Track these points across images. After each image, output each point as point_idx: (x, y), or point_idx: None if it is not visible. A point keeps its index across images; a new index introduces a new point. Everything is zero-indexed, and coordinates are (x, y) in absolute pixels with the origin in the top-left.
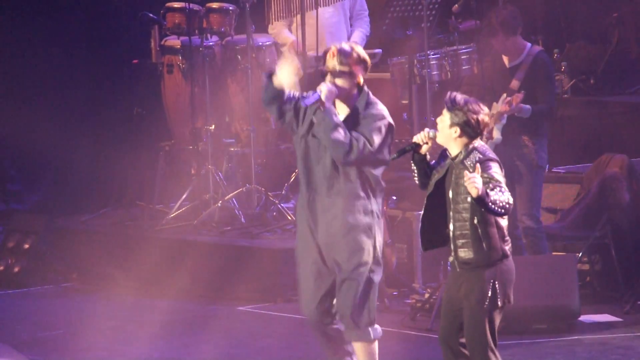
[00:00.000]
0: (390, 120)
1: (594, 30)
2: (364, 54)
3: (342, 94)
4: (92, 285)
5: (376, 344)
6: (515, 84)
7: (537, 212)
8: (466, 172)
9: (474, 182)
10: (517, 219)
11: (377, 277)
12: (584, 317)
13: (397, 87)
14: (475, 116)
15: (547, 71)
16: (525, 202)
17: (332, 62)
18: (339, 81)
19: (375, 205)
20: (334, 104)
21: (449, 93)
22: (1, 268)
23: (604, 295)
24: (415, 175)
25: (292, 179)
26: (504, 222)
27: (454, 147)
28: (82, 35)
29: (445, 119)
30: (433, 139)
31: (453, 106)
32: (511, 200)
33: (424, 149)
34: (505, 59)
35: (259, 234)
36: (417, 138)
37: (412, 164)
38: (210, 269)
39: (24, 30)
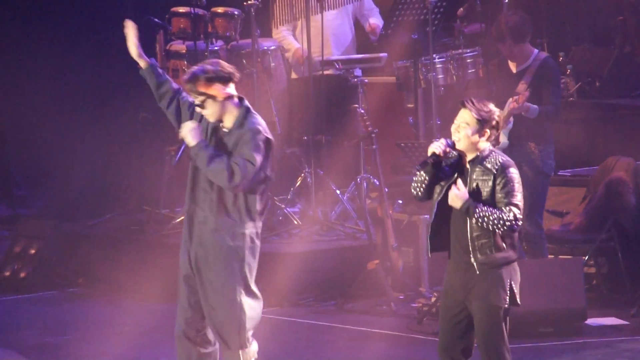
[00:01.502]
0: (269, 135)
1: (599, 33)
2: (214, 68)
3: (214, 117)
4: (98, 290)
5: None
6: (522, 87)
7: (539, 218)
8: (454, 187)
9: (455, 195)
10: None
11: (247, 300)
12: (590, 320)
13: (403, 91)
14: (496, 115)
15: (554, 75)
16: (528, 207)
17: (192, 96)
18: (204, 111)
19: (250, 228)
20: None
21: (465, 100)
22: (7, 273)
23: (610, 298)
24: (424, 185)
25: (297, 184)
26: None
27: (474, 151)
28: (88, 41)
29: (470, 126)
30: (452, 147)
31: (475, 107)
32: (515, 221)
33: (442, 158)
34: (511, 65)
35: (265, 238)
36: (437, 148)
37: (424, 174)
38: None
39: (30, 37)
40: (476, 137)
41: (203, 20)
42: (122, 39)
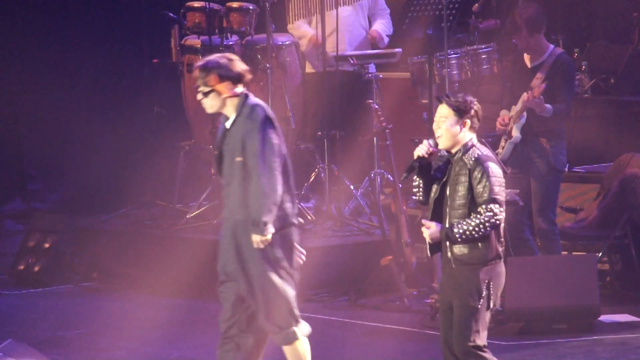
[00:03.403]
0: (268, 114)
1: (615, 29)
2: (227, 69)
3: (213, 109)
4: (112, 284)
5: (303, 342)
6: (536, 82)
7: (551, 214)
8: (423, 221)
9: (426, 234)
10: (523, 222)
11: (285, 281)
12: (604, 317)
13: (417, 86)
14: (475, 105)
15: (568, 71)
16: (540, 203)
17: (198, 83)
18: (205, 100)
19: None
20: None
21: (440, 95)
22: (21, 267)
23: (624, 295)
24: (421, 190)
25: (311, 179)
26: (501, 223)
27: (457, 145)
28: (103, 35)
29: (449, 118)
30: (435, 147)
31: (451, 100)
32: (494, 219)
33: (430, 159)
34: (527, 59)
35: None
36: (420, 151)
37: (417, 179)
38: None
39: (45, 31)
40: (456, 128)
41: (218, 15)
42: (138, 33)
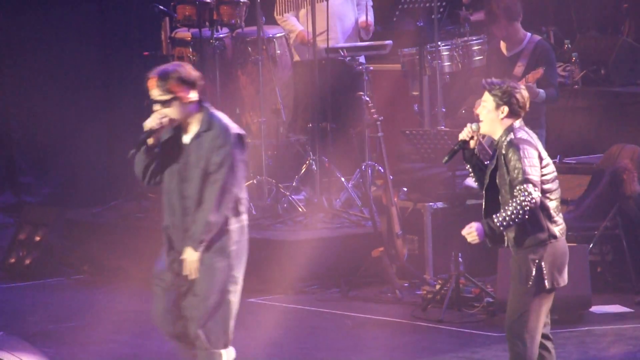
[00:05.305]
0: (237, 131)
1: (605, 20)
2: (185, 73)
3: (178, 117)
4: (103, 277)
5: None
6: (519, 70)
7: None
8: (463, 231)
9: (471, 238)
10: None
11: (233, 297)
12: (595, 308)
13: (408, 78)
14: (518, 92)
15: (551, 56)
16: None
17: (155, 93)
18: (168, 111)
19: (235, 223)
20: (181, 126)
21: (483, 80)
22: (13, 260)
23: (615, 285)
24: (471, 175)
25: (302, 171)
26: (550, 202)
27: (499, 131)
28: (93, 28)
29: (488, 103)
30: (477, 131)
31: (494, 87)
32: (528, 199)
33: (472, 144)
34: (503, 48)
35: (270, 225)
36: (463, 135)
37: (467, 165)
38: None
39: (35, 23)
40: (495, 113)
41: (208, 8)
42: (128, 25)
